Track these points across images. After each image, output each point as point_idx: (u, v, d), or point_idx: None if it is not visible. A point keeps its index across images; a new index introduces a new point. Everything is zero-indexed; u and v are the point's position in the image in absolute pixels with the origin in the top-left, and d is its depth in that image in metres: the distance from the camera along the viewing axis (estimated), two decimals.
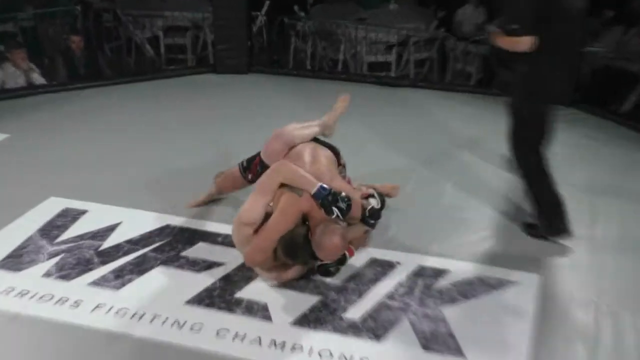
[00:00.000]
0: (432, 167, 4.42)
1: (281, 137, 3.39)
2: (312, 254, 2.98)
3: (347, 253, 3.11)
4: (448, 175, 4.31)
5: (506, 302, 3.08)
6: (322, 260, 3.05)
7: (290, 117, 3.75)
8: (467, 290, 3.17)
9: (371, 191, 3.31)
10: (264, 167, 3.36)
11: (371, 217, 3.15)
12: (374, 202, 3.22)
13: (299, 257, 3.01)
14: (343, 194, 3.04)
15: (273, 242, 3.00)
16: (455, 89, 6.13)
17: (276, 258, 3.06)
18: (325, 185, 3.06)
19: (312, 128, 3.51)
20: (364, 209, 3.15)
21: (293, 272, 3.14)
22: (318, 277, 3.21)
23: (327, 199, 3.01)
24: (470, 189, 4.12)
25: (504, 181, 4.11)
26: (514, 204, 3.90)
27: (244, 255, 3.10)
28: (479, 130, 5.04)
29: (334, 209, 3.01)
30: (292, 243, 2.98)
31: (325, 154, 3.39)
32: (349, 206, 3.02)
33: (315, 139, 3.49)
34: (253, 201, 3.07)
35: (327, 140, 3.55)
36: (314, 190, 3.03)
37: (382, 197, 3.34)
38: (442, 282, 3.22)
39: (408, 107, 5.66)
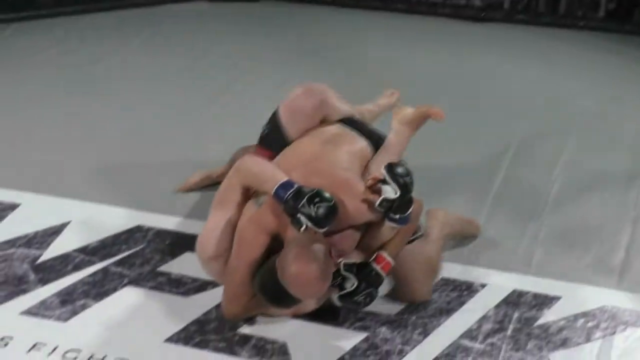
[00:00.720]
0: (534, 146, 4.41)
1: (316, 94, 3.38)
2: None
3: (380, 270, 3.05)
4: (561, 156, 4.31)
5: None
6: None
7: (320, 71, 3.76)
8: (588, 328, 3.17)
9: (380, 174, 3.09)
10: (279, 135, 3.36)
11: (394, 211, 3.04)
12: (389, 191, 3.03)
13: (283, 300, 2.96)
14: (321, 192, 2.90)
15: (242, 284, 3.04)
16: (574, 24, 6.07)
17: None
18: (289, 181, 2.95)
19: (346, 106, 3.49)
20: (370, 203, 3.06)
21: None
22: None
23: (289, 201, 2.90)
24: (599, 181, 4.13)
25: None
26: None
27: (223, 310, 3.16)
28: (613, 89, 5.02)
29: (300, 216, 2.87)
30: (267, 282, 2.93)
31: (351, 149, 3.31)
32: (329, 209, 2.88)
33: (349, 122, 3.45)
34: (210, 222, 3.10)
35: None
36: (273, 190, 2.94)
37: (405, 175, 3.10)
38: (550, 316, 3.23)
39: (500, 52, 5.63)
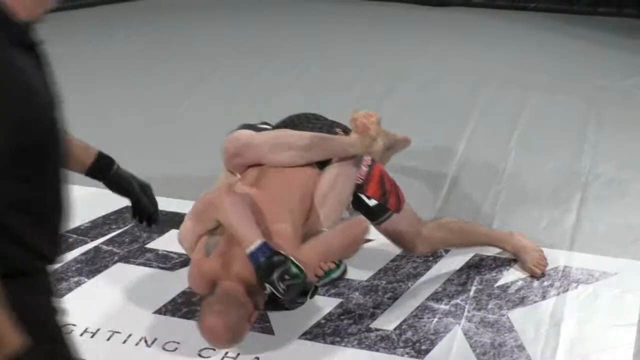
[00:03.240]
0: (493, 119, 4.44)
1: (238, 143, 3.14)
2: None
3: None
4: (517, 127, 4.34)
5: (599, 301, 3.13)
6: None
7: (307, 51, 3.74)
8: (544, 287, 3.20)
9: (331, 266, 2.98)
10: None
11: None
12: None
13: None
14: (291, 267, 2.72)
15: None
16: (526, 6, 6.07)
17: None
18: (264, 244, 2.76)
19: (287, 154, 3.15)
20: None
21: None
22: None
23: (261, 269, 2.73)
24: (552, 150, 4.17)
25: None
26: None
27: None
28: (564, 66, 5.05)
29: (267, 285, 2.71)
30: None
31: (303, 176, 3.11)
32: (298, 290, 2.72)
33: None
34: (186, 224, 2.99)
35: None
36: (249, 250, 2.76)
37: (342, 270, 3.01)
38: (509, 277, 3.26)
39: (459, 35, 5.64)
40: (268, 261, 2.71)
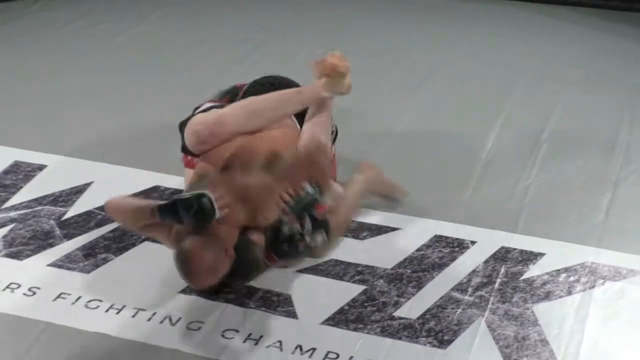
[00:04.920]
0: (523, 114, 4.41)
1: (209, 124, 3.24)
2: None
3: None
4: (548, 123, 4.31)
5: (626, 299, 3.09)
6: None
7: (324, 39, 3.71)
8: (570, 283, 3.17)
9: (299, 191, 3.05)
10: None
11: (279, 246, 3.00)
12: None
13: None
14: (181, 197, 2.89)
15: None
16: (566, 1, 6.02)
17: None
18: (165, 202, 2.96)
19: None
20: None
21: None
22: (361, 260, 3.25)
23: (169, 216, 2.91)
24: (583, 147, 4.12)
25: None
26: None
27: None
28: (598, 62, 5.00)
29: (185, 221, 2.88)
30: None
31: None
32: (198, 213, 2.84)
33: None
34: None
35: None
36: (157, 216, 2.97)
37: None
38: (535, 271, 3.23)
39: (495, 28, 5.60)
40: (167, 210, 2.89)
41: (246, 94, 3.39)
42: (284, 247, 3.01)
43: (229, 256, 2.92)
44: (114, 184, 3.70)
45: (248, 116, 3.23)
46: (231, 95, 3.45)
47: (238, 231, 3.02)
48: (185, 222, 2.88)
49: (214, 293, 3.07)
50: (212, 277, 2.93)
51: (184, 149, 3.32)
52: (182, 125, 3.32)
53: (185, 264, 2.89)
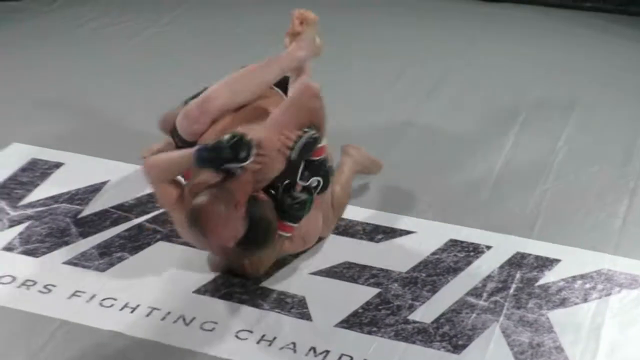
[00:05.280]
0: (540, 119, 4.40)
1: (198, 103, 3.27)
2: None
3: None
4: (565, 128, 4.30)
5: None
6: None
7: (339, 43, 3.72)
8: (586, 290, 3.16)
9: (298, 134, 3.06)
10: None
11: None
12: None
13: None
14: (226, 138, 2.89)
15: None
16: (581, 6, 6.00)
17: None
18: (200, 146, 2.97)
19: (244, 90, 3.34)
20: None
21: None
22: (375, 263, 3.25)
23: (207, 157, 2.91)
24: (600, 153, 4.10)
25: None
26: None
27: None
28: (617, 69, 4.98)
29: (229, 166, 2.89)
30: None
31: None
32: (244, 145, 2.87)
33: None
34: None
35: None
36: (193, 158, 2.95)
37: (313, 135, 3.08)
38: (550, 277, 3.22)
39: (510, 32, 5.59)
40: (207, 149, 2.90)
41: None
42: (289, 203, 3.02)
43: (241, 212, 2.87)
44: (129, 182, 3.71)
45: (233, 89, 3.26)
46: None
47: (249, 190, 2.98)
48: (221, 158, 2.88)
49: (234, 272, 3.12)
50: (226, 230, 2.84)
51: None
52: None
53: (197, 216, 2.85)
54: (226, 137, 2.89)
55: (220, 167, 2.90)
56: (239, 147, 2.87)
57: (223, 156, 2.86)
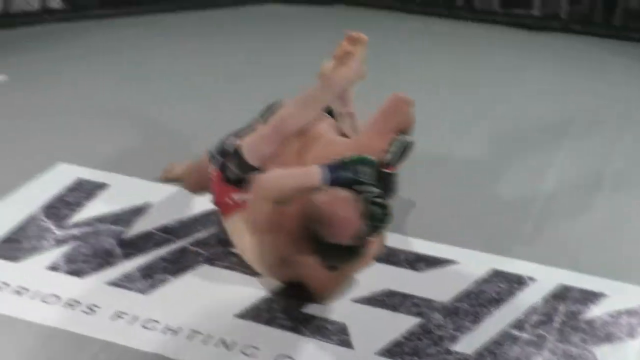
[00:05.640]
0: (585, 147, 4.37)
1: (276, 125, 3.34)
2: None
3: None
4: (611, 158, 4.26)
5: None
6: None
7: (386, 71, 3.75)
8: (632, 325, 3.12)
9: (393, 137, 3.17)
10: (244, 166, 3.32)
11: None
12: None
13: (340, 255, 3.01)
14: (354, 158, 2.98)
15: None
16: (630, 36, 5.98)
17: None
18: (325, 165, 3.01)
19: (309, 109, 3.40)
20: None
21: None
22: (417, 292, 3.24)
23: (339, 181, 2.97)
24: None
25: None
26: None
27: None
28: None
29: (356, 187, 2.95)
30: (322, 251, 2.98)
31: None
32: (372, 168, 2.97)
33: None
34: (256, 245, 3.14)
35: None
36: (320, 181, 2.99)
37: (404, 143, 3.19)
38: (595, 311, 3.19)
39: (557, 61, 5.58)
40: (339, 170, 2.96)
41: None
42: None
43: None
44: (173, 205, 3.73)
45: (303, 110, 3.31)
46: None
47: None
48: (358, 181, 2.95)
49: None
50: (353, 223, 2.90)
51: (228, 179, 3.32)
52: (222, 154, 3.38)
53: (329, 206, 2.89)
54: (368, 158, 2.98)
55: (351, 187, 2.95)
56: (375, 170, 2.97)
57: (361, 179, 2.95)
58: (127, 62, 5.34)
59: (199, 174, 3.67)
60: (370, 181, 2.97)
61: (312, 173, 3.05)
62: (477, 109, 4.78)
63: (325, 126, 3.40)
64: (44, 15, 5.98)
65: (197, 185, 3.75)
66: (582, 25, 6.18)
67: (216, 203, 3.42)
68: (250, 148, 3.31)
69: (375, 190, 2.96)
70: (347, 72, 3.39)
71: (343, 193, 2.94)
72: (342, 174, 2.99)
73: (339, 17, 6.23)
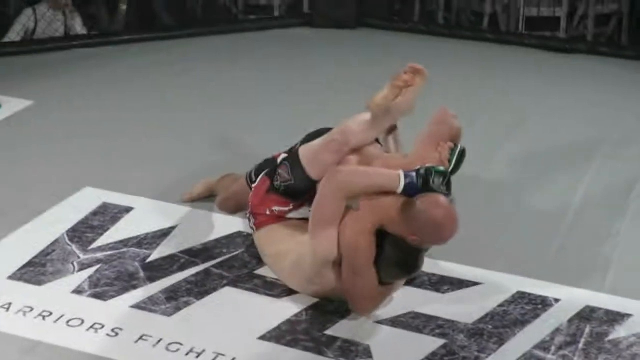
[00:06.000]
0: (613, 168, 4.35)
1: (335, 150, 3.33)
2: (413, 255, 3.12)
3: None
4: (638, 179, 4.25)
5: None
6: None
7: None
8: None
9: (450, 146, 3.25)
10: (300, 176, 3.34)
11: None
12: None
13: (414, 265, 3.14)
14: (431, 169, 3.07)
15: (374, 284, 3.12)
16: None
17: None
18: (406, 172, 3.08)
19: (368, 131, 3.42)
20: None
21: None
22: (441, 313, 3.23)
23: (421, 189, 3.06)
24: None
25: None
26: None
27: (361, 311, 3.21)
28: None
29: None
30: (399, 257, 3.08)
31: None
32: (445, 178, 3.08)
33: None
34: (328, 236, 3.12)
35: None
36: (400, 187, 3.06)
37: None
38: (621, 332, 3.16)
39: (583, 83, 5.57)
40: (419, 181, 3.05)
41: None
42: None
43: None
44: (197, 228, 3.75)
45: (364, 126, 3.34)
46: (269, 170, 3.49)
47: None
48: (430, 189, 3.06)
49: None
50: (456, 228, 3.07)
51: (275, 188, 3.35)
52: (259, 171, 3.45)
53: (451, 218, 3.03)
54: (440, 168, 3.09)
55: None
56: (445, 179, 3.08)
57: (433, 187, 3.05)
58: (151, 86, 5.39)
59: (238, 199, 3.68)
60: (441, 189, 3.06)
61: (394, 176, 3.09)
62: (504, 130, 4.78)
63: (374, 148, 3.40)
64: (64, 41, 6.07)
65: (235, 209, 3.77)
66: (609, 47, 6.18)
67: (252, 213, 3.42)
68: (308, 155, 3.33)
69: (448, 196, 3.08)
70: (404, 103, 3.37)
71: (443, 197, 3.04)
72: (418, 181, 3.06)
73: (365, 39, 6.27)
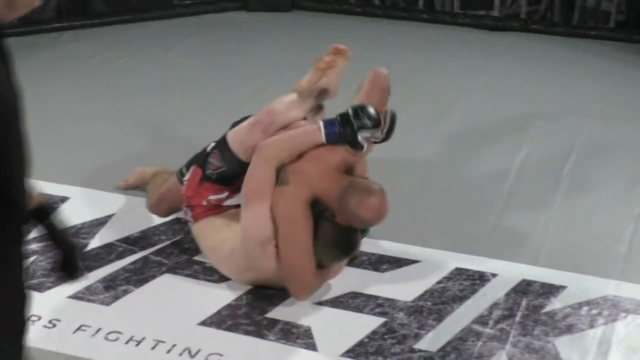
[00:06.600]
0: (545, 147, 4.41)
1: (258, 129, 3.33)
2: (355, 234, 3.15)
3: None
4: (571, 155, 4.31)
5: None
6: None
7: (347, 74, 3.78)
8: (592, 316, 3.16)
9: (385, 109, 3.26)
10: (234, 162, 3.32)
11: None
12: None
13: (353, 245, 3.17)
14: (361, 106, 3.12)
15: (311, 268, 3.12)
16: (586, 34, 6.05)
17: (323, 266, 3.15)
18: (324, 121, 3.13)
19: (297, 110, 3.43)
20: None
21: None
22: (381, 293, 3.26)
23: (344, 131, 3.09)
24: (606, 180, 4.11)
25: None
26: None
27: (297, 296, 3.20)
28: (621, 94, 5.01)
29: (359, 137, 3.09)
30: (336, 235, 3.09)
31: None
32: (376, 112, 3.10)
33: None
34: (256, 211, 3.11)
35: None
36: (323, 136, 3.11)
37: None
38: (556, 303, 3.23)
39: (517, 60, 5.63)
40: (341, 120, 3.08)
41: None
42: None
43: None
44: (135, 216, 3.73)
45: (288, 106, 3.35)
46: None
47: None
48: (360, 126, 3.08)
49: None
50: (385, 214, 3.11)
51: (208, 177, 3.32)
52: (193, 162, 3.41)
53: (383, 201, 3.06)
54: (350, 109, 3.10)
55: (354, 138, 3.08)
56: (367, 112, 3.09)
57: (364, 124, 3.08)
58: (85, 74, 5.33)
59: (170, 200, 3.58)
60: (366, 124, 3.09)
61: (315, 129, 3.13)
62: (440, 108, 4.82)
63: (306, 123, 3.38)
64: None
65: (168, 211, 3.65)
66: (542, 25, 6.25)
67: (188, 206, 3.39)
68: (237, 139, 3.32)
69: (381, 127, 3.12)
70: (328, 85, 3.39)
71: (378, 196, 3.04)
72: (338, 124, 3.10)
73: (299, 22, 6.27)
